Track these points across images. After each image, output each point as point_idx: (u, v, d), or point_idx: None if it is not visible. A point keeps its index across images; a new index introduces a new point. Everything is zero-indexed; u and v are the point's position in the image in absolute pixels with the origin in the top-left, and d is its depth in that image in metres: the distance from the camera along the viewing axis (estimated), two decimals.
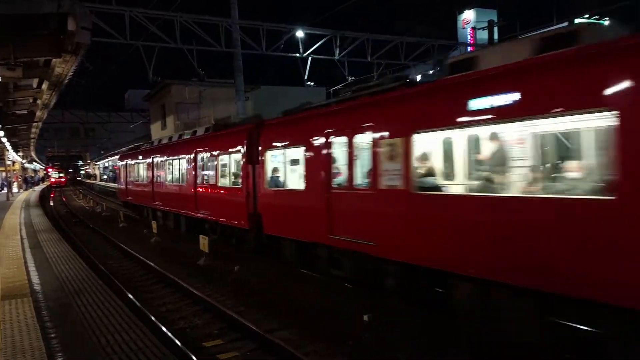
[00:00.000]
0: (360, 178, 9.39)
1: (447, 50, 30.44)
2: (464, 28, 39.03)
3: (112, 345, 6.32)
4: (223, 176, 15.06)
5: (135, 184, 25.53)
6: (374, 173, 8.74)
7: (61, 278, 10.09)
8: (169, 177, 20.14)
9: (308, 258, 11.22)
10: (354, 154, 9.40)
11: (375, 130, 8.74)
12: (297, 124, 11.57)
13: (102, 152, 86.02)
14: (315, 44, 25.56)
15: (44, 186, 68.38)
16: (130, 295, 9.94)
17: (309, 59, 25.90)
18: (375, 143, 8.70)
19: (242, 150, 13.39)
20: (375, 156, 8.70)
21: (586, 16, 26.04)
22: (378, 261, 8.81)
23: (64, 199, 46.01)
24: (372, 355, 6.91)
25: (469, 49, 33.74)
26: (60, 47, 13.25)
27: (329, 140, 10.04)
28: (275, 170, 12.19)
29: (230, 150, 14.36)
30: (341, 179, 9.91)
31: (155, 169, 21.87)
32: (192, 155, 17.04)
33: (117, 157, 69.36)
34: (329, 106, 11.03)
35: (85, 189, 67.83)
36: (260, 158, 12.61)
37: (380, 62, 28.17)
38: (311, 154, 10.61)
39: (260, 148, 12.64)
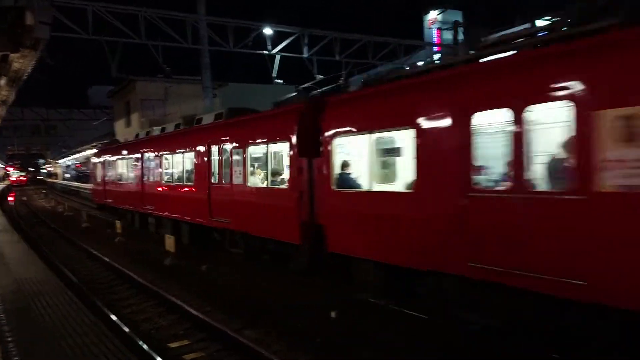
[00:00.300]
0: (541, 174, 6.27)
1: (414, 50, 30.82)
2: (429, 28, 39.53)
3: (73, 348, 6.15)
4: (254, 174, 11.81)
5: (118, 184, 21.65)
6: (581, 166, 5.49)
7: (20, 280, 9.78)
8: (167, 175, 16.52)
9: (406, 289, 8.22)
10: (524, 135, 6.04)
11: (587, 95, 5.44)
12: (398, 95, 7.98)
13: (64, 150, 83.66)
14: (283, 42, 25.48)
15: (4, 185, 66.07)
16: (92, 297, 9.71)
17: (278, 56, 25.80)
18: (583, 117, 5.45)
19: (292, 139, 10.00)
20: (585, 137, 5.44)
21: (547, 17, 26.77)
22: (585, 308, 5.63)
23: (24, 199, 44.57)
24: (339, 352, 6.94)
25: (435, 49, 34.23)
26: (18, 41, 12.78)
27: (468, 118, 6.63)
28: (345, 165, 9.14)
29: (267, 139, 11.05)
30: (495, 175, 6.77)
31: (146, 166, 18.07)
32: (204, 148, 13.56)
33: (80, 154, 67.75)
34: (462, 65, 7.35)
35: (46, 188, 65.88)
36: (322, 149, 9.32)
37: (348, 61, 28.25)
38: (429, 139, 7.21)
39: (323, 135, 9.30)
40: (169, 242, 12.98)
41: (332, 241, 9.19)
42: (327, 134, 9.28)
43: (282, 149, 10.91)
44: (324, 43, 26.19)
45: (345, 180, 9.10)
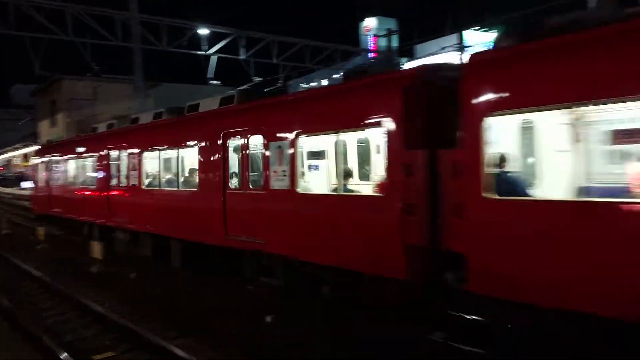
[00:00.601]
0: None
1: (350, 56, 31.37)
2: (365, 35, 40.40)
3: None
4: (309, 176, 9.02)
5: (70, 189, 17.54)
6: None
7: None
8: (150, 178, 12.94)
9: None
10: None
11: None
12: None
13: None
14: (220, 43, 25.16)
15: None
16: (11, 308, 9.10)
17: (213, 57, 25.42)
18: None
19: (391, 122, 6.75)
20: None
21: (477, 27, 28.13)
22: None
23: None
24: (273, 357, 6.89)
25: (371, 55, 34.95)
26: None
27: None
28: (503, 159, 6.17)
29: (339, 126, 7.71)
30: None
31: (115, 167, 14.23)
32: (215, 143, 10.20)
33: (1, 157, 63.39)
34: None
35: None
36: (460, 135, 6.06)
37: (286, 64, 28.33)
38: None
39: (465, 115, 5.98)
40: (96, 249, 12.41)
41: (482, 277, 5.90)
42: (474, 112, 5.91)
43: (370, 139, 8.06)
44: (261, 45, 26.13)
45: (512, 183, 6.06)
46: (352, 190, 8.11)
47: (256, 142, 9.33)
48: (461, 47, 24.13)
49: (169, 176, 12.30)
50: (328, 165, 8.80)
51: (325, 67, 30.98)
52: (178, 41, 23.81)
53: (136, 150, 13.09)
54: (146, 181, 12.84)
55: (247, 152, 9.51)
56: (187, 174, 11.73)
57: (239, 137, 9.68)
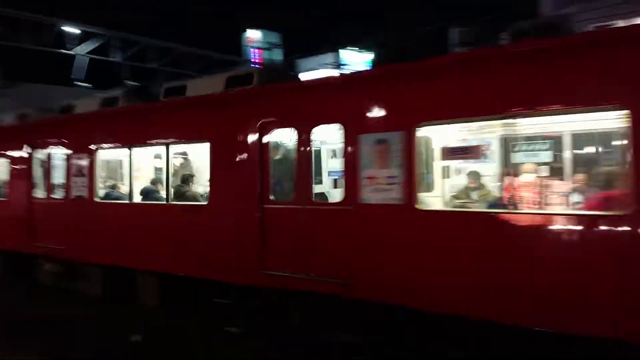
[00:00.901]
0: None
1: (232, 66, 31.29)
2: (247, 46, 40.40)
3: None
4: (434, 184, 6.88)
5: None
6: None
7: None
8: (107, 187, 9.82)
9: None
10: None
11: None
12: None
13: None
14: (90, 43, 23.80)
15: None
16: None
17: (84, 58, 23.95)
18: None
19: None
20: None
21: (352, 48, 29.79)
22: None
23: None
24: None
25: (255, 66, 35.16)
26: None
27: None
28: None
29: (506, 110, 5.32)
30: None
31: (41, 172, 10.77)
32: (247, 136, 7.33)
33: None
34: None
35: None
36: None
37: (165, 70, 27.62)
38: None
39: None
40: None
41: None
42: None
43: (576, 128, 5.87)
44: (137, 49, 25.26)
45: None
46: (531, 205, 5.74)
47: (327, 134, 7.00)
48: (338, 65, 25.45)
49: (147, 184, 9.31)
50: (489, 170, 6.49)
51: (208, 74, 30.69)
52: (42, 38, 22.16)
53: (83, 149, 9.63)
54: (102, 192, 9.60)
55: (309, 149, 6.80)
56: (180, 181, 8.77)
57: (292, 127, 6.95)
